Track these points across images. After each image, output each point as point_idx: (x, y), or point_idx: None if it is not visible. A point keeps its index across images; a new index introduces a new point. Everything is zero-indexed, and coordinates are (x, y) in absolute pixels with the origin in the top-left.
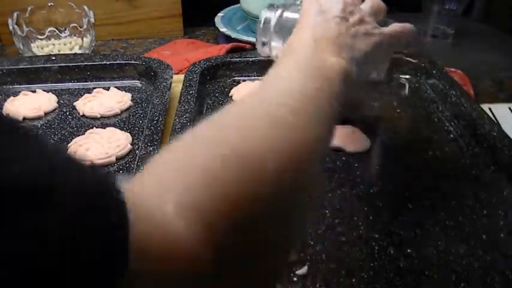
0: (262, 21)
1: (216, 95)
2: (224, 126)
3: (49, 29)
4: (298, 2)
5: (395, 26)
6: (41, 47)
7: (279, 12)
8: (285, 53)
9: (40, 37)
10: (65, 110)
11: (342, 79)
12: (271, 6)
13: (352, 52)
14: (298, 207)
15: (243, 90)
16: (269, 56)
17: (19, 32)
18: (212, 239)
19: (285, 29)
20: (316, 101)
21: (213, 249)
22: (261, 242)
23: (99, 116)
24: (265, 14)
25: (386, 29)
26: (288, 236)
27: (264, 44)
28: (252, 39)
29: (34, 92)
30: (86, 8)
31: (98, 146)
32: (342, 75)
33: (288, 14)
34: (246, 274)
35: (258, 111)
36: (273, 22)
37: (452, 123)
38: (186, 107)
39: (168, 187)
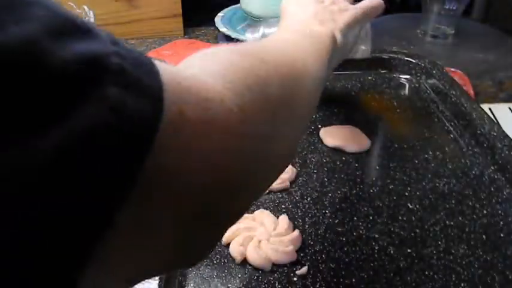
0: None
1: None
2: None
3: None
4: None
5: (364, 2)
6: None
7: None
8: (274, 33)
9: None
10: None
11: (330, 42)
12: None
13: (335, 23)
14: (299, 104)
15: None
16: None
17: None
18: (240, 104)
19: None
20: (309, 46)
21: (241, 112)
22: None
23: None
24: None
25: (358, 5)
26: (292, 123)
27: None
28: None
29: None
30: (86, 8)
31: None
32: (329, 39)
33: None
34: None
35: (267, 47)
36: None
37: (452, 123)
38: None
39: (198, 62)
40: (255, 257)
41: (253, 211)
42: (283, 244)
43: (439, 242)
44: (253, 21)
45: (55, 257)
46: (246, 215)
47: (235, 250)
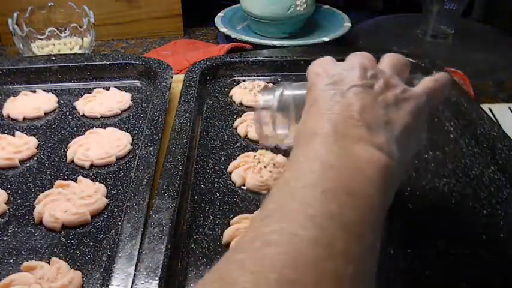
0: (260, 107)
1: (216, 95)
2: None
3: (49, 29)
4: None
5: (428, 82)
6: (41, 47)
7: (278, 92)
8: (296, 151)
9: (40, 37)
10: (65, 110)
11: (379, 178)
12: (267, 88)
13: (388, 130)
14: None
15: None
16: (277, 147)
17: (19, 32)
18: None
19: (290, 112)
20: (344, 220)
21: None
22: None
23: (99, 116)
24: (263, 98)
25: (419, 89)
26: None
27: (268, 135)
28: (252, 39)
29: (34, 92)
30: (86, 8)
31: (98, 146)
32: (378, 172)
33: (290, 92)
34: None
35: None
36: (274, 105)
37: (452, 123)
38: (186, 107)
39: None
40: None
41: (253, 211)
42: None
43: (439, 242)
44: (253, 21)
45: None
46: (246, 215)
47: None
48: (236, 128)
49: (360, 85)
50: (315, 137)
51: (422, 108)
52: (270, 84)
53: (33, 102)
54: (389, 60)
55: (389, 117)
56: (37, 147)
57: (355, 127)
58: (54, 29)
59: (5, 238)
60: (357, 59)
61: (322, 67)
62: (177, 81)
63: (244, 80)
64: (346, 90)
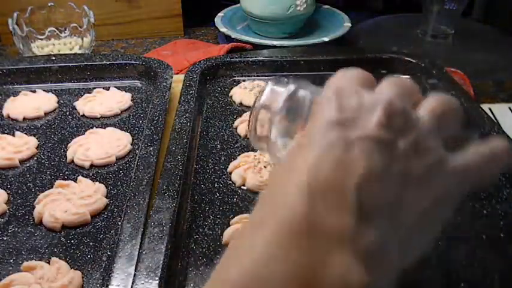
0: (261, 101)
1: (216, 95)
2: None
3: (49, 29)
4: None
5: (477, 153)
6: (41, 47)
7: (292, 87)
8: (255, 215)
9: (40, 37)
10: (65, 110)
11: None
12: (279, 80)
13: (392, 225)
14: None
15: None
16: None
17: (19, 32)
18: None
19: (300, 117)
20: None
21: None
22: None
23: (99, 116)
24: (271, 89)
25: (463, 162)
26: None
27: (260, 137)
28: (252, 39)
29: (34, 92)
30: (86, 8)
31: (98, 146)
32: None
33: (306, 93)
34: None
35: None
36: (280, 103)
37: None
38: (186, 107)
39: None
40: None
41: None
42: None
43: (439, 242)
44: (253, 21)
45: None
46: (246, 215)
47: None
48: (236, 128)
49: (376, 139)
50: (280, 211)
51: (457, 192)
52: (283, 78)
53: (33, 102)
54: (435, 104)
55: (402, 201)
56: (37, 147)
57: (340, 213)
58: (54, 29)
59: (5, 238)
60: (389, 92)
61: (338, 92)
62: (177, 81)
63: (244, 80)
64: (354, 141)
